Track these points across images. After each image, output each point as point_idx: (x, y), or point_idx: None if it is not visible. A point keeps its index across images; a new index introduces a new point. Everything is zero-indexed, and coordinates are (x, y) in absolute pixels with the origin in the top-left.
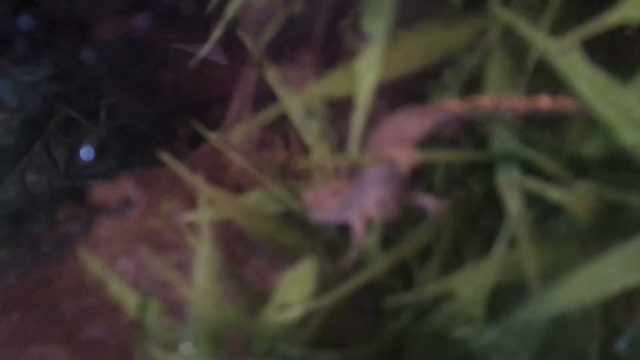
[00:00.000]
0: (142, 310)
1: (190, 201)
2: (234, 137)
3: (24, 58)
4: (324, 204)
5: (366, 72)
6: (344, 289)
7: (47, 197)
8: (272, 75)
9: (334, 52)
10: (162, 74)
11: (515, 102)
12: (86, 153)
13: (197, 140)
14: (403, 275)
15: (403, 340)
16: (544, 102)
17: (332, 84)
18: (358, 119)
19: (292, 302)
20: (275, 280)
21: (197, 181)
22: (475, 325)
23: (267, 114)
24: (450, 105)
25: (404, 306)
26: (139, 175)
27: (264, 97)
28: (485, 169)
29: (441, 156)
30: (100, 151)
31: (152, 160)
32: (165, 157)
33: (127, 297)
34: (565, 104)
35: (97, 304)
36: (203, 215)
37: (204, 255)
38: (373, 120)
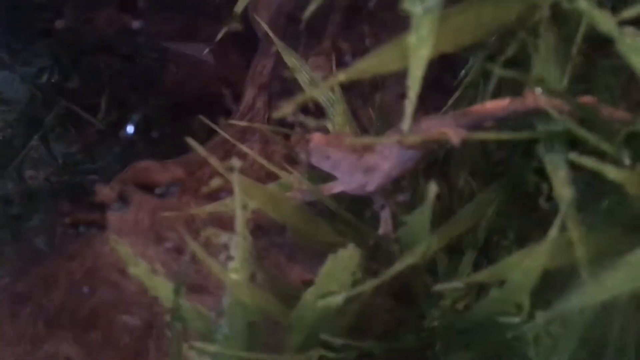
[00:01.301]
0: (176, 298)
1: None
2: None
3: (22, 48)
4: (329, 154)
5: (418, 46)
6: (389, 273)
7: (46, 192)
8: (292, 62)
9: (351, 39)
10: (162, 68)
11: (556, 102)
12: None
13: (200, 134)
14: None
15: (446, 329)
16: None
17: (381, 60)
18: (412, 95)
19: (334, 289)
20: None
21: (230, 169)
22: (523, 312)
23: (300, 98)
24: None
25: (438, 295)
26: (142, 169)
27: (278, 86)
28: (527, 153)
29: (490, 136)
30: (99, 146)
31: (153, 154)
32: (194, 144)
33: (159, 285)
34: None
35: (109, 301)
36: (237, 202)
37: (239, 241)
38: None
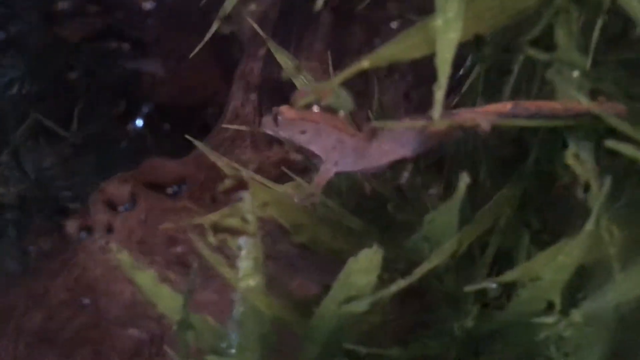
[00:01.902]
0: (185, 309)
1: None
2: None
3: None
4: (305, 129)
5: (446, 29)
6: (416, 274)
7: (17, 210)
8: (285, 63)
9: (342, 41)
10: (136, 78)
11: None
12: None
13: (177, 144)
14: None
15: (476, 332)
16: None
17: (405, 45)
18: (441, 79)
19: (354, 294)
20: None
21: (242, 171)
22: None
23: (300, 98)
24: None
25: (463, 297)
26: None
27: (267, 89)
28: (551, 144)
29: (521, 122)
30: (73, 159)
31: (127, 167)
32: (202, 146)
33: (165, 296)
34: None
35: (96, 319)
36: (249, 205)
37: (252, 246)
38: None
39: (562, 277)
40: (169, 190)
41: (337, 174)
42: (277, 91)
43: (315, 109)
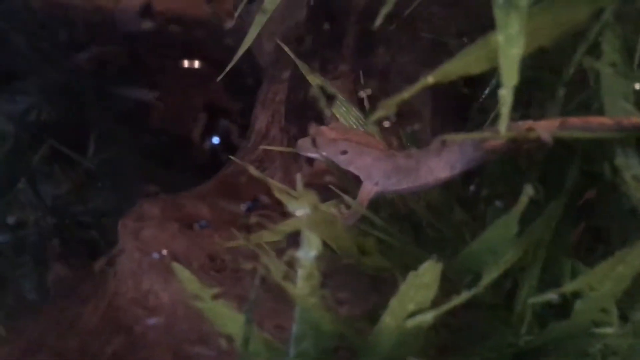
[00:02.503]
0: (247, 330)
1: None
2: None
3: (7, 85)
4: (346, 149)
5: (508, 45)
6: (481, 285)
7: (35, 236)
8: (317, 84)
9: (367, 62)
10: (149, 104)
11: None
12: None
13: (191, 169)
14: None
15: (532, 343)
16: None
17: (468, 61)
18: (507, 96)
19: (417, 307)
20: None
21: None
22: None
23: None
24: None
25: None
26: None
27: (293, 111)
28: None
29: (578, 134)
30: (89, 185)
31: (145, 192)
32: (253, 170)
33: (227, 317)
34: None
35: (132, 343)
36: (305, 221)
37: (309, 262)
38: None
39: (620, 287)
40: (243, 207)
41: (379, 194)
42: (303, 112)
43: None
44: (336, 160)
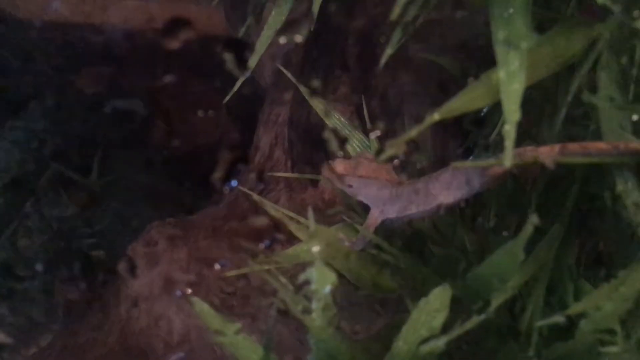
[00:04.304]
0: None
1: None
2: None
3: (11, 113)
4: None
5: (510, 81)
6: (490, 310)
7: (42, 261)
8: (320, 106)
9: (368, 83)
10: (152, 124)
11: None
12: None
13: (198, 188)
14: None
15: None
16: None
17: (471, 97)
18: (510, 131)
19: (428, 333)
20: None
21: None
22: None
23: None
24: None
25: (521, 329)
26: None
27: (296, 133)
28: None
29: (579, 160)
30: (94, 207)
31: (151, 212)
32: (259, 199)
33: (247, 349)
34: None
35: None
36: (315, 247)
37: (323, 293)
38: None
39: (623, 308)
40: (262, 246)
41: (387, 220)
42: (306, 133)
43: (367, 158)
44: (346, 190)
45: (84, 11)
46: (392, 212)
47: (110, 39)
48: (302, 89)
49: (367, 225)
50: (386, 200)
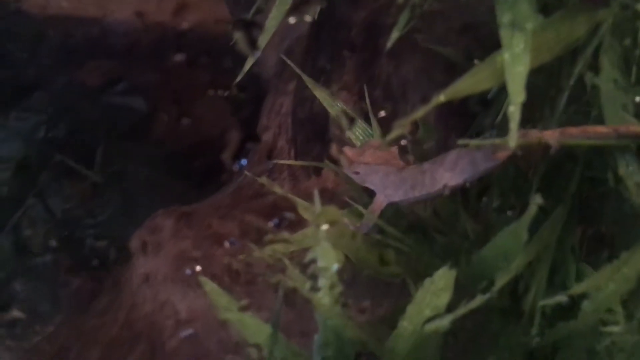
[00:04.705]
0: (274, 339)
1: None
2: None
3: (15, 103)
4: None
5: (514, 63)
6: (494, 290)
7: (45, 251)
8: (323, 95)
9: (370, 72)
10: (155, 117)
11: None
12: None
13: (198, 177)
14: None
15: (541, 343)
16: None
17: (475, 79)
18: (515, 112)
19: (433, 312)
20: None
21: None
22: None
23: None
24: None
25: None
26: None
27: (299, 123)
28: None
29: (583, 141)
30: (97, 198)
31: (153, 204)
32: (268, 182)
33: (254, 328)
34: None
35: (150, 356)
36: (321, 231)
37: (330, 274)
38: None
39: (625, 288)
40: (270, 224)
41: (391, 204)
42: (310, 124)
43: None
44: (353, 177)
45: (88, 3)
46: (397, 196)
47: (115, 32)
48: (306, 79)
49: (372, 210)
50: (391, 184)
